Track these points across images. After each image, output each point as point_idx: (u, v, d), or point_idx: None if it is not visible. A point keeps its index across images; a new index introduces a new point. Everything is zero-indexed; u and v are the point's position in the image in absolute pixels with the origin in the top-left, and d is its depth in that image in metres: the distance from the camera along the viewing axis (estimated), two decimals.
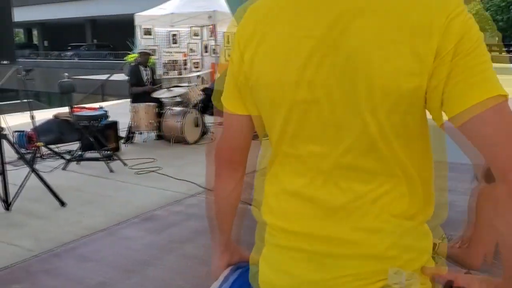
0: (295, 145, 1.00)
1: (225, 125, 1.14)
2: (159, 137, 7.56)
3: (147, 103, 7.16)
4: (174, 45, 16.58)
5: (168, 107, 7.32)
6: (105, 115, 5.98)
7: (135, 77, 7.48)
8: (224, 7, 14.11)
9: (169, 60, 14.42)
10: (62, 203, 4.51)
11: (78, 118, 5.89)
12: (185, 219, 4.16)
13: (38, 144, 6.17)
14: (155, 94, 7.17)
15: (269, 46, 0.97)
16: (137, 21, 15.19)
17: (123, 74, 15.62)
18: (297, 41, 0.93)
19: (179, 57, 16.42)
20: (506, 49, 38.05)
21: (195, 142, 7.30)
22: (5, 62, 4.17)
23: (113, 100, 14.16)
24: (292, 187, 1.03)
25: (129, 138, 7.38)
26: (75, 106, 8.71)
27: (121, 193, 4.96)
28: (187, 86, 7.47)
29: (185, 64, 16.92)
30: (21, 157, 4.66)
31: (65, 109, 10.82)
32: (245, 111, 1.08)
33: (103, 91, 15.08)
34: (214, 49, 17.90)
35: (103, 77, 16.45)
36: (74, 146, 7.15)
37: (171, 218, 4.20)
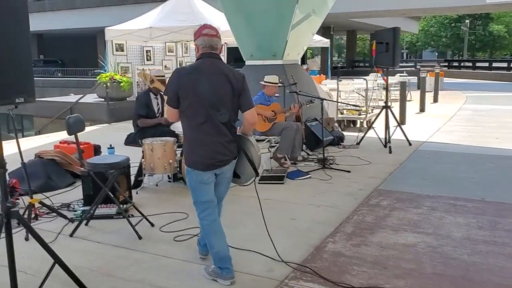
0: None
1: None
2: (175, 178, 6.07)
3: (164, 138, 5.67)
4: (148, 62, 15.04)
5: None
6: (128, 161, 4.44)
7: (145, 108, 5.94)
8: (207, 21, 12.77)
9: None
10: None
11: (92, 167, 4.30)
12: None
13: (33, 200, 4.57)
14: (174, 127, 5.69)
15: None
16: (107, 36, 13.58)
17: (95, 95, 13.88)
18: None
19: None
20: (447, 64, 41.35)
21: None
22: (20, 99, 2.65)
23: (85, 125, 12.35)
24: None
25: (138, 183, 5.84)
26: (62, 140, 7.12)
27: (175, 280, 3.46)
28: None
29: None
30: (29, 229, 3.11)
31: (36, 141, 9.01)
32: None
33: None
34: None
35: (70, 98, 14.60)
36: (67, 195, 5.60)
37: None
